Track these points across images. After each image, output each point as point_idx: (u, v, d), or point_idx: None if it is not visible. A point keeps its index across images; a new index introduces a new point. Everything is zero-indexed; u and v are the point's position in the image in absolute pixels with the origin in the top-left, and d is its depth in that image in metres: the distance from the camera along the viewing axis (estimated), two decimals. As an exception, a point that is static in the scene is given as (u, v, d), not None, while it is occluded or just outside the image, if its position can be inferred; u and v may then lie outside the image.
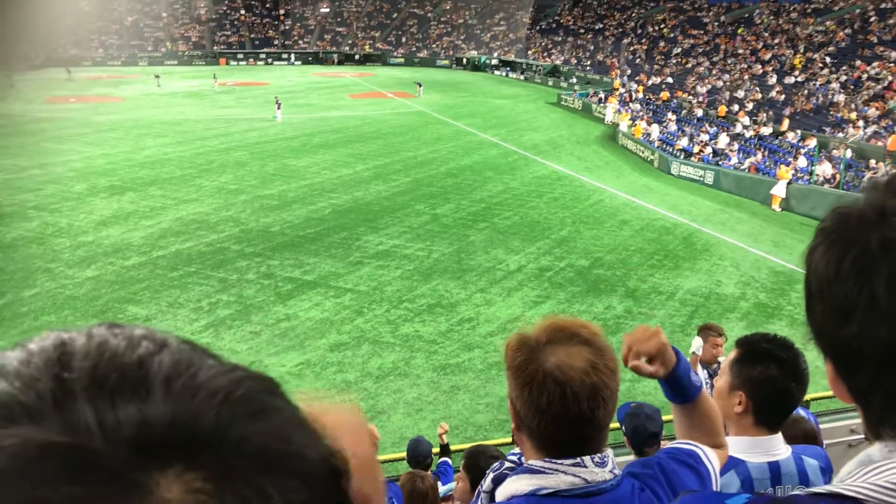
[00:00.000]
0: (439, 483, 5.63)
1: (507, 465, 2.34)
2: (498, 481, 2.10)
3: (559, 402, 1.61)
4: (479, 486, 2.34)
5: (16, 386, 0.46)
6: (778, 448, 2.53)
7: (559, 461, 1.67)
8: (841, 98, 33.30)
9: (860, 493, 0.72)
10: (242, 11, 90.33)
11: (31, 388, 0.45)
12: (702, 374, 6.05)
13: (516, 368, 1.70)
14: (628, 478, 1.75)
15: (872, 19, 41.50)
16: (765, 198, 25.24)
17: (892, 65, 34.78)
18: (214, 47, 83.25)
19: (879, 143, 27.86)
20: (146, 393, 0.46)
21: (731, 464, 2.46)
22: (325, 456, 0.52)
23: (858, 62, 36.50)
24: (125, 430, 0.44)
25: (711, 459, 1.89)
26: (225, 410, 0.47)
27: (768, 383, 2.52)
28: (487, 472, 2.37)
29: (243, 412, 0.48)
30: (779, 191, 24.73)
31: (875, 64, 35.47)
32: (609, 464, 1.70)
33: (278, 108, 41.65)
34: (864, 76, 34.74)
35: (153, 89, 53.79)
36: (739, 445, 2.50)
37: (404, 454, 6.52)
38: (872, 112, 30.63)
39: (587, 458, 1.67)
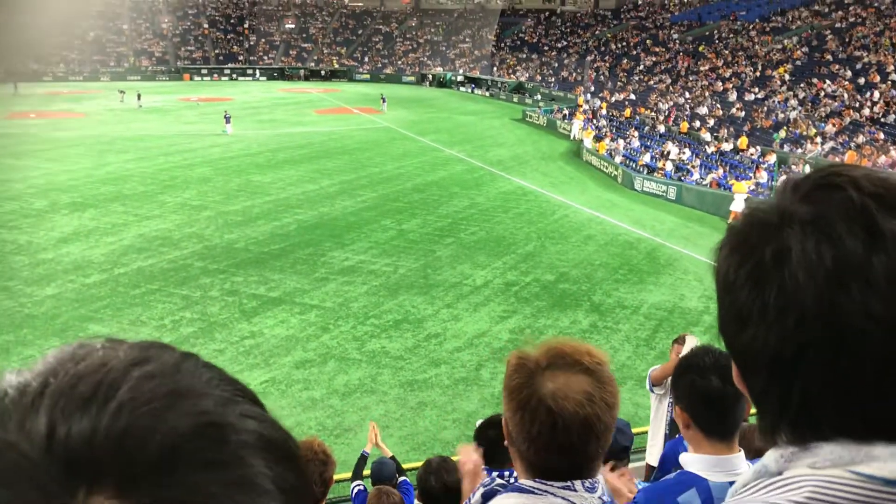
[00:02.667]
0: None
1: (499, 481, 2.32)
2: (488, 497, 2.08)
3: (549, 431, 1.59)
4: (468, 500, 2.31)
5: (8, 390, 0.48)
6: (739, 467, 2.48)
7: (549, 482, 1.64)
8: (794, 115, 33.99)
9: None
10: (206, 26, 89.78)
11: (21, 393, 0.48)
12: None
13: (511, 390, 1.67)
14: None
15: (829, 38, 42.55)
16: (726, 212, 25.63)
17: (847, 83, 35.63)
18: (178, 63, 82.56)
19: (837, 159, 28.47)
20: (102, 412, 0.46)
21: (692, 481, 2.45)
22: None
23: (815, 80, 37.36)
24: (70, 444, 0.44)
25: None
26: (180, 449, 0.46)
27: (695, 391, 2.52)
28: (478, 485, 2.34)
29: (198, 457, 0.47)
30: (737, 206, 25.14)
31: (828, 83, 36.34)
32: (599, 490, 1.68)
33: (227, 122, 42.01)
34: (822, 94, 35.54)
35: (117, 105, 53.14)
36: (700, 463, 2.48)
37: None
38: (830, 128, 31.31)
39: (577, 483, 1.64)
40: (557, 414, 1.58)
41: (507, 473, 2.64)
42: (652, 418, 6.19)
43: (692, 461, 2.51)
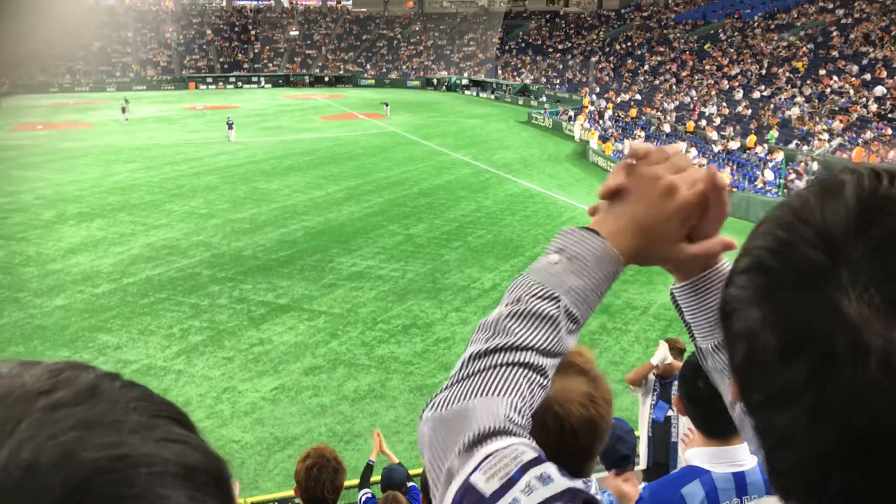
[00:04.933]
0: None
1: None
2: None
3: (558, 436, 1.57)
4: None
5: None
6: (742, 458, 2.53)
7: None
8: (796, 111, 33.85)
9: None
10: (210, 34, 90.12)
11: None
12: (653, 383, 6.02)
13: None
14: None
15: (834, 34, 42.40)
16: (735, 211, 25.59)
17: (854, 78, 35.48)
18: (183, 72, 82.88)
19: (845, 156, 28.34)
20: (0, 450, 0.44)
21: (696, 473, 2.51)
22: None
23: (823, 73, 37.23)
24: None
25: None
26: (88, 485, 0.44)
27: (694, 398, 2.60)
28: None
29: (108, 493, 0.45)
30: None
31: (835, 79, 36.20)
32: (593, 489, 1.67)
33: (230, 128, 42.18)
34: (828, 90, 35.39)
35: (122, 115, 53.09)
36: (703, 456, 2.55)
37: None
38: (837, 125, 31.17)
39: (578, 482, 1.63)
40: (564, 419, 1.58)
41: None
42: (639, 421, 6.21)
43: (695, 455, 2.58)
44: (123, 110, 51.25)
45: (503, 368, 0.91)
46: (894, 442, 0.54)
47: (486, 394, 0.88)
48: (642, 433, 6.05)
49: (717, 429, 2.56)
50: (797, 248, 0.61)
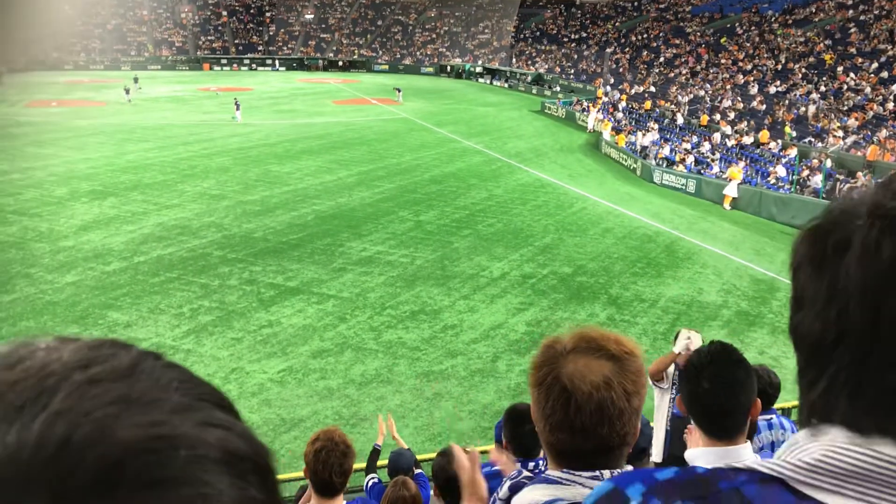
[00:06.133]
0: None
1: (525, 473, 2.31)
2: (515, 489, 2.08)
3: (561, 409, 1.60)
4: (495, 494, 2.31)
5: None
6: (744, 458, 2.44)
7: (578, 473, 1.64)
8: (812, 109, 33.62)
9: (774, 469, 0.75)
10: (226, 16, 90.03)
11: None
12: (672, 375, 5.96)
13: (533, 368, 1.70)
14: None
15: (852, 31, 42.02)
16: (746, 206, 25.51)
17: (871, 75, 35.19)
18: (198, 52, 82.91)
19: (859, 154, 28.17)
20: (32, 423, 0.42)
21: None
22: None
23: (840, 70, 36.93)
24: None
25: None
26: (122, 465, 0.42)
27: (697, 398, 2.53)
28: (504, 479, 2.34)
29: (144, 475, 0.42)
30: (730, 191, 26.18)
31: (851, 76, 35.91)
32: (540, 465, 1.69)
33: (237, 108, 42.60)
34: (845, 87, 35.12)
35: (135, 94, 53.03)
36: (707, 457, 2.48)
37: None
38: (852, 122, 30.96)
39: (606, 472, 1.64)
40: (571, 393, 1.60)
41: (532, 465, 2.62)
42: (655, 414, 6.10)
43: (697, 456, 2.51)
44: (127, 91, 50.49)
45: None
46: (865, 327, 0.72)
47: None
48: (660, 429, 5.99)
49: (721, 429, 2.50)
50: (844, 205, 0.80)
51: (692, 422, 2.61)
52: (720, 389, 2.49)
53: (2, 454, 0.40)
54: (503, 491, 2.25)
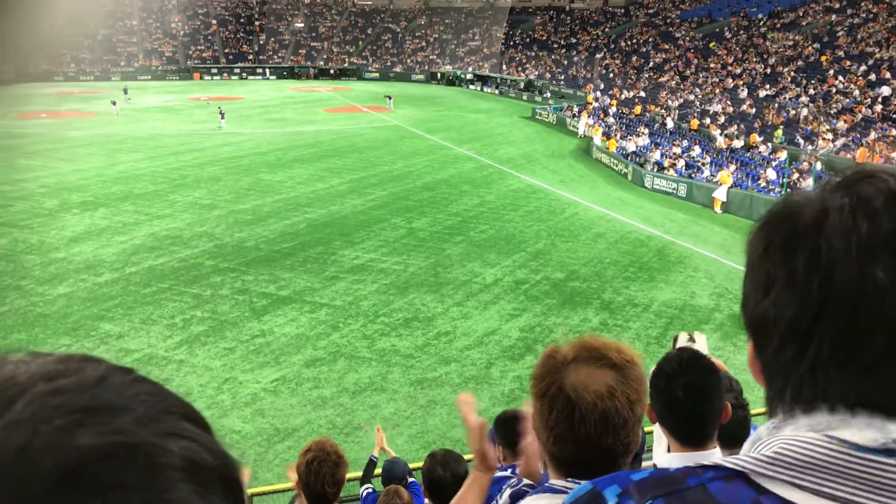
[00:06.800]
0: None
1: (526, 481, 2.30)
2: (516, 497, 2.07)
3: (566, 420, 1.60)
4: (496, 500, 2.29)
5: None
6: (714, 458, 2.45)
7: (582, 482, 1.64)
8: (805, 112, 33.79)
9: (738, 464, 0.77)
10: (216, 25, 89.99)
11: None
12: None
13: (535, 379, 1.70)
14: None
15: (840, 34, 42.28)
16: (737, 209, 25.60)
17: (860, 78, 35.40)
18: (188, 62, 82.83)
19: (849, 156, 28.30)
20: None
21: None
22: None
23: (829, 73, 37.14)
24: None
25: None
26: (82, 470, 0.42)
27: (672, 408, 2.48)
28: (504, 486, 2.32)
29: (103, 480, 0.42)
30: (720, 194, 26.42)
31: (840, 79, 36.12)
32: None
33: (222, 117, 42.73)
34: (833, 90, 35.32)
35: (125, 105, 52.94)
36: (675, 462, 2.44)
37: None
38: (841, 125, 31.12)
39: None
40: (576, 404, 1.60)
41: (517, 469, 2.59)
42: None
43: (670, 460, 2.50)
44: (114, 103, 50.12)
45: None
46: (847, 298, 0.74)
47: None
48: (661, 431, 5.95)
49: (698, 437, 2.47)
50: (795, 197, 0.85)
51: (665, 431, 2.55)
52: (696, 398, 2.45)
53: None
54: (504, 498, 2.24)
